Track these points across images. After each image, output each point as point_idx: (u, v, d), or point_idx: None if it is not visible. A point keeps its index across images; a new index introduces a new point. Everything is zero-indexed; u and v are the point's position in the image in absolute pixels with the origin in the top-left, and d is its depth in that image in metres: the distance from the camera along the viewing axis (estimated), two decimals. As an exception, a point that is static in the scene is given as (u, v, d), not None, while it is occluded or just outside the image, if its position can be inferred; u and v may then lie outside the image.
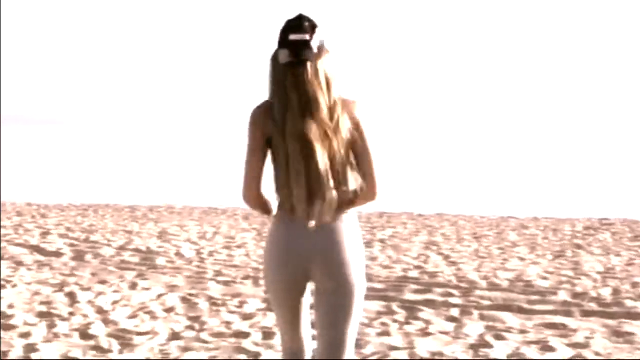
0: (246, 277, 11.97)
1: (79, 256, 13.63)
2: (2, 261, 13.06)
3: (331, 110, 4.45)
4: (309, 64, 4.44)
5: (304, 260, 4.49)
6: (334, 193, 4.45)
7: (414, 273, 12.56)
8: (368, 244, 16.01)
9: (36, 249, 14.47)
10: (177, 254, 14.09)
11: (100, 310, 9.71)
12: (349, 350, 4.64)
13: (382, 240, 16.62)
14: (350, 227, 4.52)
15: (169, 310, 9.81)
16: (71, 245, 14.94)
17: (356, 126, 4.46)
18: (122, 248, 14.69)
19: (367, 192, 4.50)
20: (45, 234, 16.58)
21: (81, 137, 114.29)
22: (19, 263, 12.94)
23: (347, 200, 4.53)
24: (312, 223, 4.45)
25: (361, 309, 4.65)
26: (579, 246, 16.30)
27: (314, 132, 4.42)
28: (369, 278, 12.07)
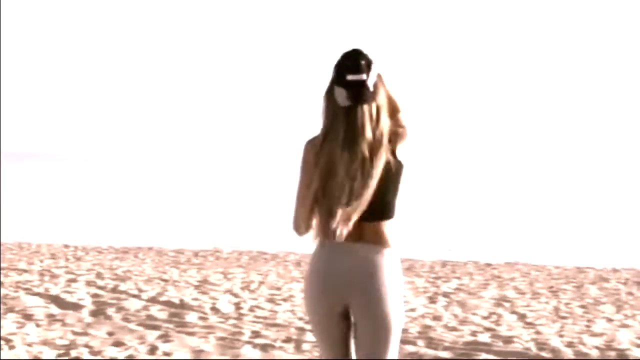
0: (288, 340, 10.20)
1: (100, 310, 11.93)
2: (11, 314, 11.40)
3: (372, 144, 4.54)
4: (365, 106, 4.56)
5: (342, 289, 4.48)
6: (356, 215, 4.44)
7: (484, 337, 10.71)
8: (431, 299, 14.16)
9: (54, 299, 12.79)
10: (213, 308, 12.34)
11: (106, 383, 7.99)
12: None
13: (446, 294, 14.76)
14: (390, 261, 4.51)
15: (189, 384, 8.07)
16: (95, 295, 13.25)
17: (397, 164, 4.55)
18: (152, 300, 12.97)
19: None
20: (71, 281, 14.94)
21: (120, 172, 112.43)
22: (29, 317, 11.26)
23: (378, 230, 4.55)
24: (342, 237, 4.42)
25: (397, 345, 4.57)
26: (670, 304, 14.34)
27: (352, 159, 4.51)
28: (433, 344, 10.25)
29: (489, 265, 21.06)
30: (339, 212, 4.45)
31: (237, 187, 75.61)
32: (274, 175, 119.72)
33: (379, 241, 4.52)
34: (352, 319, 4.57)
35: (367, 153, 4.53)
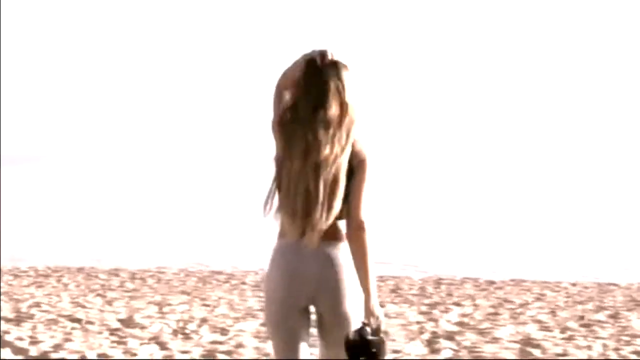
0: None
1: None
2: None
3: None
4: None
5: (310, 288, 4.49)
6: (325, 217, 4.46)
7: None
8: (430, 344, 10.38)
9: None
10: (123, 372, 8.55)
11: None
12: None
13: (449, 336, 10.99)
14: (348, 257, 4.53)
15: None
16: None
17: (361, 163, 4.50)
18: None
19: (353, 225, 4.49)
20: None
21: (56, 180, 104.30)
22: None
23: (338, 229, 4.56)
24: (307, 245, 4.48)
25: None
26: None
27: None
28: None
29: (491, 283, 17.34)
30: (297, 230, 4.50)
31: (190, 195, 71.51)
32: (235, 181, 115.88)
33: (337, 237, 4.53)
34: (315, 314, 4.57)
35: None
